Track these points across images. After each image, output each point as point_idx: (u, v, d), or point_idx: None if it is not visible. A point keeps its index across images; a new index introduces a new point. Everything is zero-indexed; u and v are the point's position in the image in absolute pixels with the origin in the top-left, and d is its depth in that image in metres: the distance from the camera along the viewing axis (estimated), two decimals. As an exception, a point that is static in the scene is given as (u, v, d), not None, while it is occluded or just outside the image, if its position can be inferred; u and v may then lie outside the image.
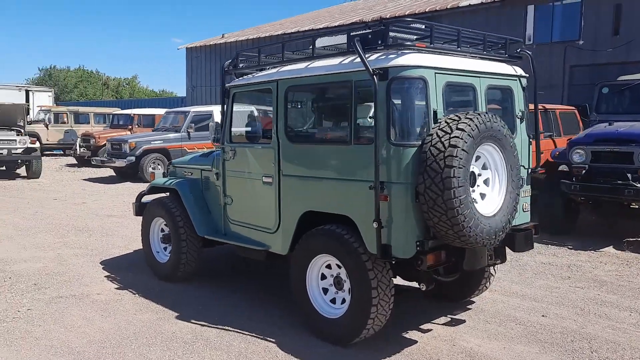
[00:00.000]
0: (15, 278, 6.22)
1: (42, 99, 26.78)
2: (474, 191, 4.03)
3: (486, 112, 3.99)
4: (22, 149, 16.05)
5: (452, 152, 3.67)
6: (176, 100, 31.16)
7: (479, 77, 4.46)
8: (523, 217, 4.94)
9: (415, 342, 4.56)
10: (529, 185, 5.04)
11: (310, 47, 4.64)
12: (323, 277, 4.61)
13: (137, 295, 5.67)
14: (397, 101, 4.00)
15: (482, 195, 4.09)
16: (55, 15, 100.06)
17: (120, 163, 14.71)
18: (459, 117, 3.83)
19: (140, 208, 6.54)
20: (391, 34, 4.10)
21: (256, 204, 5.13)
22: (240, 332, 4.68)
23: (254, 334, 4.64)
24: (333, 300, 4.57)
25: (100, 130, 19.75)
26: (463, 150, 3.69)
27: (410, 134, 4.00)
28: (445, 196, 3.66)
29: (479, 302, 5.52)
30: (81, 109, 24.10)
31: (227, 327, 4.78)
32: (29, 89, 26.99)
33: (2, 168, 17.17)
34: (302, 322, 4.76)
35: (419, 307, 5.32)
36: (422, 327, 4.87)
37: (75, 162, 19.82)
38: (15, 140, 15.98)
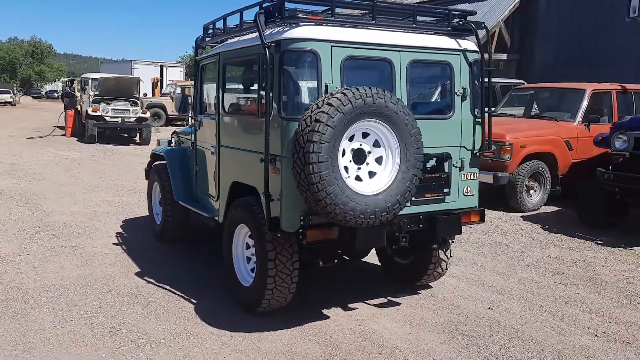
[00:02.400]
0: (43, 227, 7.12)
1: (175, 74, 29.19)
2: (359, 169, 3.89)
3: (370, 87, 3.79)
4: (135, 118, 17.80)
5: (314, 127, 3.59)
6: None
7: (399, 51, 4.24)
8: (463, 201, 4.64)
9: (327, 317, 4.55)
10: (475, 168, 4.70)
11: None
12: (247, 246, 4.75)
13: (124, 250, 6.24)
14: (288, 74, 3.98)
15: (371, 174, 3.93)
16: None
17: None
18: (335, 92, 3.72)
19: (148, 173, 7.11)
20: (290, 5, 4.05)
21: (209, 173, 5.37)
22: (173, 292, 4.99)
23: (183, 295, 4.92)
24: (253, 269, 4.70)
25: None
26: (327, 125, 3.59)
27: (299, 108, 3.96)
28: (306, 171, 3.60)
29: (437, 287, 5.29)
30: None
31: (167, 287, 5.11)
32: (163, 64, 29.54)
33: (124, 135, 19.14)
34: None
35: (369, 286, 5.27)
36: (350, 304, 4.82)
37: (189, 132, 21.41)
38: (129, 110, 17.75)
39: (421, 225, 4.43)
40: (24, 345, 3.96)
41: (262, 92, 4.21)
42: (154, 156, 6.94)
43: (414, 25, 4.38)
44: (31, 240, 6.54)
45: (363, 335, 4.24)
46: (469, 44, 4.57)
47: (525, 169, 8.41)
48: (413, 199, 4.35)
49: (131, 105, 17.93)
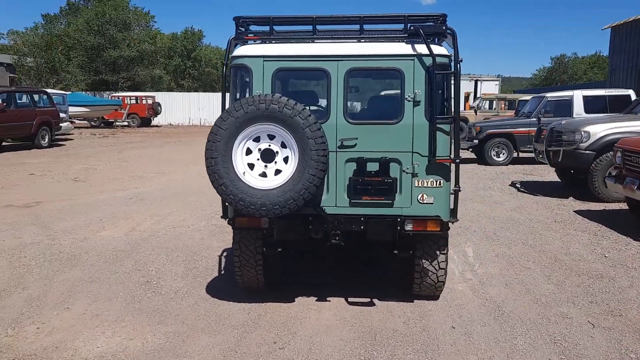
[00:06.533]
0: (225, 212, 9.10)
1: (490, 87, 29.35)
2: (266, 166, 4.36)
3: (267, 95, 4.23)
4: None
5: (212, 129, 4.32)
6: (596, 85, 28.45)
7: (336, 60, 4.49)
8: (418, 209, 4.52)
9: (290, 301, 5.04)
10: (436, 176, 4.48)
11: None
12: None
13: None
14: (234, 85, 4.77)
15: (277, 171, 4.34)
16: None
17: (464, 145, 15.89)
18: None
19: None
20: (241, 28, 4.80)
21: None
22: (218, 264, 6.16)
23: (220, 266, 6.05)
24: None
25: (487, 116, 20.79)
26: (219, 127, 4.26)
27: None
28: (205, 165, 4.36)
29: (442, 300, 5.10)
30: (509, 96, 25.43)
31: (223, 260, 6.31)
32: (478, 78, 29.98)
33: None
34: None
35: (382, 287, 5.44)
36: (330, 297, 5.13)
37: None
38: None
39: (362, 227, 4.56)
40: (96, 275, 5.75)
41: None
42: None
43: (362, 34, 4.56)
44: (206, 219, 8.54)
45: (286, 317, 4.67)
46: (425, 48, 4.41)
47: None
48: (352, 200, 4.56)
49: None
